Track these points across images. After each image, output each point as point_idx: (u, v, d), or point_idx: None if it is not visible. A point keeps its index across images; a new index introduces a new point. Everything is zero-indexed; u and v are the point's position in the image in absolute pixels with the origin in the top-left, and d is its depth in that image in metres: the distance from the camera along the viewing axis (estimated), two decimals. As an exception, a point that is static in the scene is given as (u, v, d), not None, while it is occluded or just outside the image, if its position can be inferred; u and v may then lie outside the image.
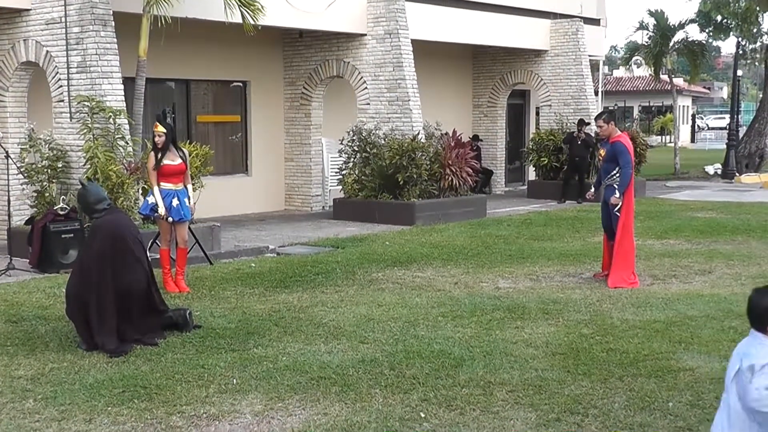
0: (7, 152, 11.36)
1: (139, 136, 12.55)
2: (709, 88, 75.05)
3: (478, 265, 11.16)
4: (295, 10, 15.75)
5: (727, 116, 45.28)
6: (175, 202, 9.48)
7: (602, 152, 10.57)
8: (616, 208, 10.01)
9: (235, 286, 9.79)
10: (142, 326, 7.45)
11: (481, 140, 21.91)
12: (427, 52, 19.19)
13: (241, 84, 17.93)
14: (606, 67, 41.36)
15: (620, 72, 59.29)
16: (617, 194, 9.99)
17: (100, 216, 7.49)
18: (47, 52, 12.44)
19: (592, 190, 10.83)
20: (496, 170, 22.82)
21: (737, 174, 26.84)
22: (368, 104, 17.17)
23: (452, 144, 16.49)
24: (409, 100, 16.70)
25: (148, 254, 10.67)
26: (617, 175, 10.01)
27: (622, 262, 9.88)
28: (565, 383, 6.16)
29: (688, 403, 5.74)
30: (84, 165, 11.63)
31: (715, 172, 28.48)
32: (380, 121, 16.76)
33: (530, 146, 21.54)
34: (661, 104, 58.09)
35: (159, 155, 9.43)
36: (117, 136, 11.80)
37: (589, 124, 19.90)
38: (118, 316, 7.27)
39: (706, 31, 30.25)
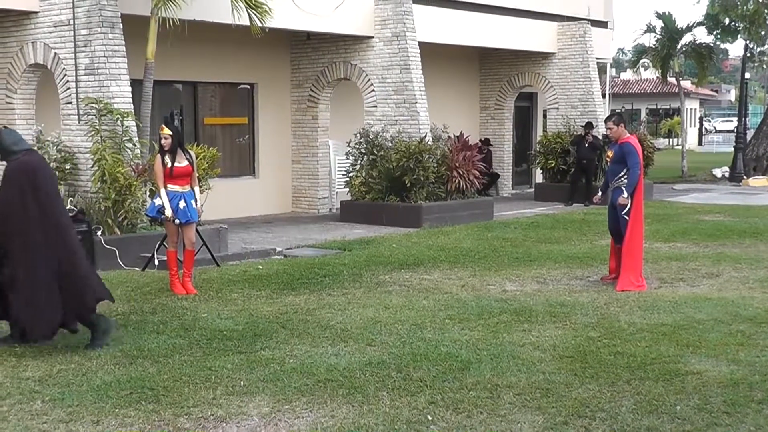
0: (15, 154, 11.38)
1: (146, 138, 12.59)
2: (716, 91, 74.93)
3: (485, 268, 11.15)
4: (303, 13, 15.77)
5: (735, 119, 45.17)
6: (182, 204, 9.49)
7: (610, 154, 10.51)
8: (625, 211, 9.97)
9: (242, 288, 9.80)
10: (71, 293, 7.11)
11: (492, 144, 21.90)
12: (434, 54, 19.19)
13: (248, 86, 17.96)
14: (613, 70, 41.41)
15: (628, 75, 59.24)
16: (625, 194, 9.95)
17: (17, 158, 7.19)
18: (55, 54, 12.47)
19: (599, 193, 10.80)
20: (503, 173, 22.81)
21: (745, 177, 26.77)
22: (375, 107, 17.18)
23: (459, 146, 16.50)
24: (416, 102, 16.70)
25: (156, 255, 10.78)
26: (625, 176, 9.97)
27: (631, 264, 9.85)
28: (572, 386, 6.15)
29: (696, 407, 5.73)
30: (92, 167, 11.67)
31: (723, 175, 28.42)
32: (387, 123, 16.77)
33: (537, 149, 21.53)
34: (668, 107, 57.98)
35: (166, 157, 9.45)
36: (125, 138, 11.83)
37: (596, 126, 19.89)
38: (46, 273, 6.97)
39: (714, 33, 30.19)
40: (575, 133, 20.36)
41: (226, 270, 11.00)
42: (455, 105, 21.84)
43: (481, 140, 21.22)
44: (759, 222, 15.90)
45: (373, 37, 17.10)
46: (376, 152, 15.99)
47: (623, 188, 9.97)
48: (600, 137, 19.39)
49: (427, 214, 15.58)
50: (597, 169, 19.82)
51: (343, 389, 6.10)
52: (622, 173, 9.99)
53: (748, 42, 30.17)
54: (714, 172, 29.16)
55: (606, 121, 10.55)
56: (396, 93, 16.89)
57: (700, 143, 56.17)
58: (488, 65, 22.96)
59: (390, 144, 15.93)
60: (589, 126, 19.75)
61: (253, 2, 13.13)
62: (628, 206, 9.94)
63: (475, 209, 16.53)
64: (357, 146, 16.22)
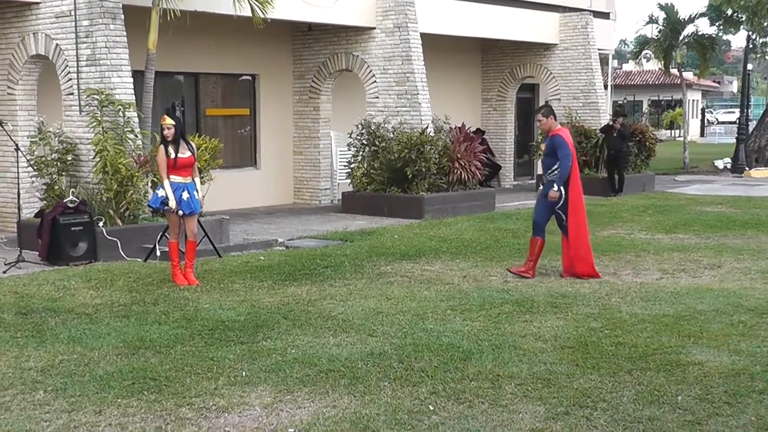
0: (17, 145, 11.40)
1: (148, 129, 12.59)
2: (718, 82, 74.77)
3: (486, 259, 11.16)
4: (304, 3, 15.75)
5: (737, 110, 45.10)
6: (185, 195, 9.50)
7: (542, 147, 10.35)
8: (559, 205, 9.78)
9: (244, 279, 9.81)
10: None
11: (484, 131, 21.76)
12: (436, 45, 19.17)
13: (250, 77, 17.94)
14: (615, 61, 41.29)
15: (630, 66, 59.16)
16: (555, 188, 9.72)
17: None
18: (57, 45, 12.46)
19: (541, 188, 10.52)
20: (505, 164, 22.77)
21: (747, 168, 26.73)
22: (377, 98, 17.17)
23: (461, 138, 16.48)
24: (417, 93, 16.69)
25: (158, 246, 10.78)
26: (557, 169, 9.77)
27: (582, 255, 9.86)
28: (573, 377, 6.16)
29: (697, 397, 5.73)
30: (93, 158, 11.67)
31: (725, 167, 28.38)
32: (389, 114, 16.76)
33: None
34: (670, 98, 57.91)
35: (169, 148, 9.45)
36: (126, 129, 11.83)
37: (625, 116, 19.78)
38: None
39: (717, 24, 30.14)
40: (577, 124, 20.31)
41: (227, 261, 11.01)
42: (457, 96, 21.81)
43: (473, 131, 21.07)
44: (761, 213, 15.89)
45: (374, 28, 17.08)
46: (377, 143, 15.98)
47: (554, 182, 9.77)
48: (628, 127, 19.27)
49: (429, 205, 15.57)
50: (627, 158, 19.79)
51: (344, 379, 6.11)
52: (555, 166, 9.77)
53: (750, 33, 30.10)
54: (716, 164, 29.12)
55: (535, 113, 10.43)
56: (398, 84, 16.88)
57: (702, 134, 56.07)
58: (490, 56, 22.93)
59: (392, 135, 15.92)
60: (617, 115, 19.67)
61: (255, -7, 13.11)
62: (562, 200, 9.75)
63: (477, 200, 16.54)
64: (359, 137, 16.20)
